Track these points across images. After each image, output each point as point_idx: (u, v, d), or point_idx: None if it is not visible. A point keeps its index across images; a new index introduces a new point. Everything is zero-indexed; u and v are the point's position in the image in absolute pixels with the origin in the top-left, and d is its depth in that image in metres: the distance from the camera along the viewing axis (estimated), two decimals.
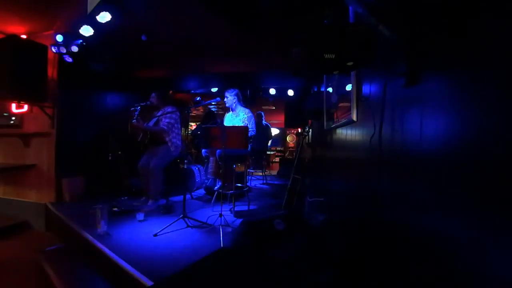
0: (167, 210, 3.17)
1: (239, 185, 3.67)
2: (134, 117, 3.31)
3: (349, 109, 1.97)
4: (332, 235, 2.00)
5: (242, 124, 3.49)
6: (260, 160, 6.27)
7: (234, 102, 3.65)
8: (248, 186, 4.34)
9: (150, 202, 3.41)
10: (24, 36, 3.54)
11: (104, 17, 2.75)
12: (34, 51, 3.32)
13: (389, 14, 1.24)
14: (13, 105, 3.80)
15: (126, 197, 3.75)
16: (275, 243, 1.82)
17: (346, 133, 2.28)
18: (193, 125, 9.09)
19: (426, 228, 0.96)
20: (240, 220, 2.81)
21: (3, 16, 3.23)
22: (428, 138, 0.95)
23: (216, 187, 3.82)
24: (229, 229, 2.56)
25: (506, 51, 0.62)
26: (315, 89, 4.53)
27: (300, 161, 3.80)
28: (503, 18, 0.63)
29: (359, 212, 1.80)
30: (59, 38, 3.31)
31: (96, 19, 2.77)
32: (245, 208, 3.38)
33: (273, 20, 2.65)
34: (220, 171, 3.67)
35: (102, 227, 2.45)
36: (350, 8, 1.66)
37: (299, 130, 7.22)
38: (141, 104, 3.45)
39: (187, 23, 3.09)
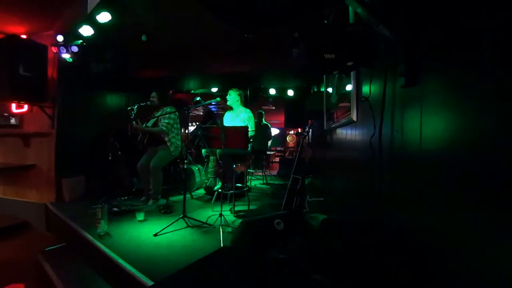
0: (167, 210, 3.17)
1: (239, 185, 3.67)
2: (132, 117, 3.31)
3: (349, 109, 1.97)
4: (332, 235, 2.00)
5: (242, 124, 3.49)
6: (260, 160, 6.26)
7: (236, 101, 3.65)
8: (248, 186, 4.34)
9: (150, 202, 3.41)
10: (24, 36, 3.53)
11: (104, 17, 2.75)
12: (34, 51, 3.32)
13: (389, 14, 1.24)
14: (13, 105, 3.80)
15: (126, 197, 3.75)
16: (275, 243, 1.82)
17: (346, 133, 2.28)
18: (193, 125, 9.09)
19: (427, 228, 0.96)
20: (240, 220, 2.81)
21: (3, 16, 3.23)
22: (428, 138, 0.95)
23: (216, 187, 3.82)
24: (229, 229, 2.56)
25: (505, 51, 0.62)
26: (315, 89, 4.53)
27: (300, 161, 3.80)
28: (502, 18, 0.63)
29: (359, 212, 1.80)
30: (59, 38, 3.31)
31: (96, 19, 2.77)
32: (245, 208, 3.38)
33: (273, 20, 2.65)
34: (220, 171, 3.67)
35: (102, 227, 2.45)
36: (350, 8, 1.65)
37: (299, 130, 7.22)
38: (140, 104, 3.44)
39: (187, 23, 3.09)
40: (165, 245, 2.24)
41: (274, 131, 10.20)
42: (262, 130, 5.98)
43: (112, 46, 3.72)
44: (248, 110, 3.65)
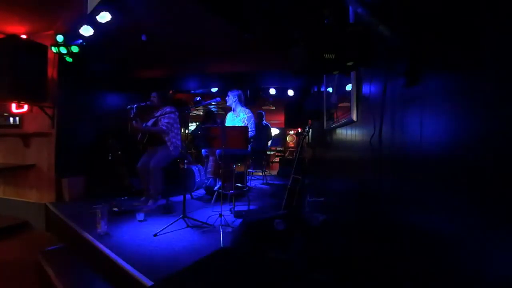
0: (167, 210, 3.17)
1: (239, 185, 3.67)
2: (132, 117, 3.31)
3: (349, 109, 1.97)
4: (332, 235, 2.00)
5: (242, 124, 3.49)
6: (260, 160, 6.27)
7: (234, 102, 3.66)
8: (248, 186, 4.34)
9: (150, 202, 3.41)
10: (24, 36, 3.54)
11: (104, 17, 2.75)
12: (34, 51, 3.32)
13: (389, 14, 1.24)
14: (13, 105, 3.80)
15: (126, 197, 3.75)
16: (275, 243, 1.82)
17: (346, 133, 2.28)
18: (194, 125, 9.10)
19: (426, 228, 0.96)
20: (240, 220, 2.82)
21: (3, 16, 3.23)
22: (428, 139, 0.95)
23: (216, 187, 3.82)
24: (229, 229, 2.56)
25: (506, 50, 0.62)
26: (315, 89, 4.53)
27: (300, 161, 3.80)
28: (502, 18, 0.63)
29: (359, 212, 1.80)
30: (59, 38, 3.32)
31: (96, 19, 2.77)
32: (245, 208, 3.38)
33: (273, 20, 2.65)
34: (220, 171, 3.67)
35: (102, 227, 2.45)
36: (350, 8, 1.66)
37: (299, 130, 7.22)
38: (140, 104, 3.44)
39: (187, 23, 3.09)
40: (165, 245, 2.24)
41: (274, 131, 10.20)
42: (262, 130, 5.98)
43: (112, 46, 3.72)
44: (247, 110, 3.66)
